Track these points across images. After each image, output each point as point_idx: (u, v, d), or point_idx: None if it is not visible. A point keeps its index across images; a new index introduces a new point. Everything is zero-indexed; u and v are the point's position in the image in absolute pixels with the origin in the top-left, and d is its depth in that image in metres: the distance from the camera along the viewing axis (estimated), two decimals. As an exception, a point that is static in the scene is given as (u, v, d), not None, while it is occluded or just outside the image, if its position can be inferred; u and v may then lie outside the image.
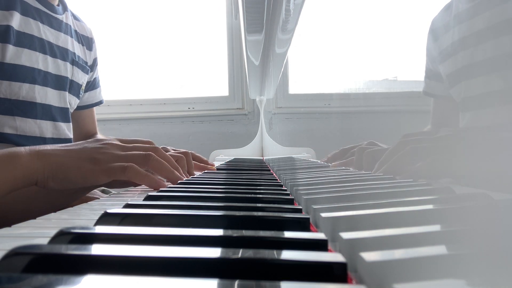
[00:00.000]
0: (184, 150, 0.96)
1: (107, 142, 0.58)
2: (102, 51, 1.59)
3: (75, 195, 0.59)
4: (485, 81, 0.33)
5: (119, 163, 0.54)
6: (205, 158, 0.95)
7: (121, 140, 0.62)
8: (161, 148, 0.99)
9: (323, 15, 0.81)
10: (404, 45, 0.48)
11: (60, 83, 1.03)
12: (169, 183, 0.60)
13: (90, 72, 1.20)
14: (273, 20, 0.68)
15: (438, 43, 0.45)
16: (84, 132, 1.26)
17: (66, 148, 0.55)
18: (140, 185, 0.62)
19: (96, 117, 1.30)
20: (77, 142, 0.59)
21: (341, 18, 0.73)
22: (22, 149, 0.52)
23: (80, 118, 1.24)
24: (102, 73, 1.30)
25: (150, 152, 0.59)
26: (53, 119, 1.01)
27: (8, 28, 0.89)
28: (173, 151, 0.93)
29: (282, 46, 0.84)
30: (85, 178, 0.52)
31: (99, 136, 1.28)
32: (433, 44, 0.47)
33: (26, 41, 0.94)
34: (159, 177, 0.59)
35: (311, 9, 0.67)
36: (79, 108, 1.22)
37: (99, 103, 1.28)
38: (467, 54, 0.37)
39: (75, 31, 1.12)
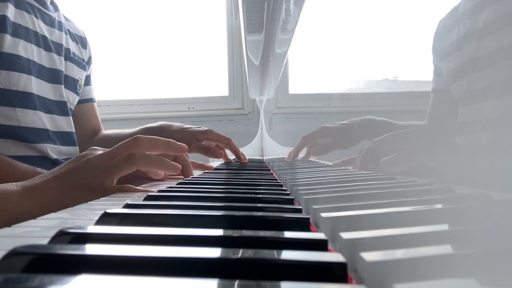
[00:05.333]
0: (226, 137, 1.06)
1: (87, 158, 0.56)
2: (102, 51, 1.59)
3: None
4: (489, 74, 0.33)
5: (115, 186, 0.54)
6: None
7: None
8: (207, 129, 1.05)
9: (323, 15, 0.81)
10: (404, 45, 0.48)
11: (54, 76, 1.03)
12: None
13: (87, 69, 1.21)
14: (273, 20, 0.68)
15: (442, 41, 0.46)
16: (89, 129, 1.25)
17: (54, 175, 0.54)
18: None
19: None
20: (61, 166, 0.58)
21: (341, 18, 0.73)
22: (13, 187, 0.51)
23: (81, 113, 1.23)
24: (102, 73, 1.30)
25: (132, 152, 0.57)
26: (49, 111, 1.01)
27: (4, 18, 0.90)
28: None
29: (282, 46, 0.84)
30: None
31: (103, 132, 1.27)
32: (438, 42, 0.47)
33: (22, 32, 0.94)
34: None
35: (311, 9, 0.67)
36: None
37: (89, 100, 1.26)
38: (472, 48, 0.38)
39: (68, 30, 1.13)
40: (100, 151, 0.59)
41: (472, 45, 0.38)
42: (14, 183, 0.53)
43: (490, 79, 0.33)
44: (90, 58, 1.24)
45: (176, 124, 1.12)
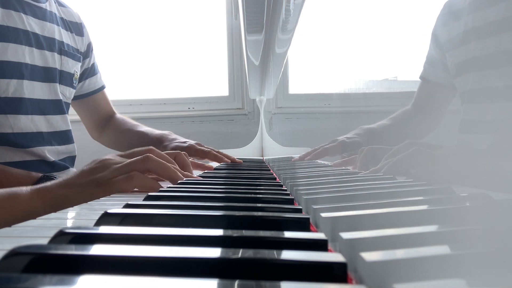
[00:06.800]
0: (208, 149, 1.02)
1: (103, 159, 0.57)
2: (102, 51, 1.59)
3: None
4: (497, 75, 0.33)
5: (121, 176, 0.53)
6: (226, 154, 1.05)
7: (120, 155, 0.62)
8: (195, 143, 1.05)
9: (323, 15, 0.81)
10: (404, 45, 0.48)
11: (49, 75, 1.01)
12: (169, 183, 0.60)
13: (86, 58, 1.17)
14: (273, 20, 0.68)
15: (448, 28, 0.45)
16: (102, 115, 1.26)
17: (65, 178, 0.55)
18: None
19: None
20: (77, 171, 0.58)
21: (341, 18, 0.73)
22: (23, 188, 0.52)
23: (96, 103, 1.23)
24: (102, 73, 1.29)
25: (148, 154, 0.58)
26: (43, 113, 0.99)
27: None
28: (200, 147, 1.00)
29: (282, 46, 0.84)
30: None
31: (118, 115, 1.29)
32: (442, 28, 0.46)
33: (11, 35, 0.91)
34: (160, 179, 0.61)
35: (311, 9, 0.67)
36: (82, 96, 1.19)
37: (101, 88, 1.25)
38: (480, 45, 0.37)
39: (62, 18, 1.09)
40: (112, 157, 0.59)
41: (481, 41, 0.37)
42: (25, 187, 0.53)
43: (498, 79, 0.32)
44: (89, 45, 1.19)
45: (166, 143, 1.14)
